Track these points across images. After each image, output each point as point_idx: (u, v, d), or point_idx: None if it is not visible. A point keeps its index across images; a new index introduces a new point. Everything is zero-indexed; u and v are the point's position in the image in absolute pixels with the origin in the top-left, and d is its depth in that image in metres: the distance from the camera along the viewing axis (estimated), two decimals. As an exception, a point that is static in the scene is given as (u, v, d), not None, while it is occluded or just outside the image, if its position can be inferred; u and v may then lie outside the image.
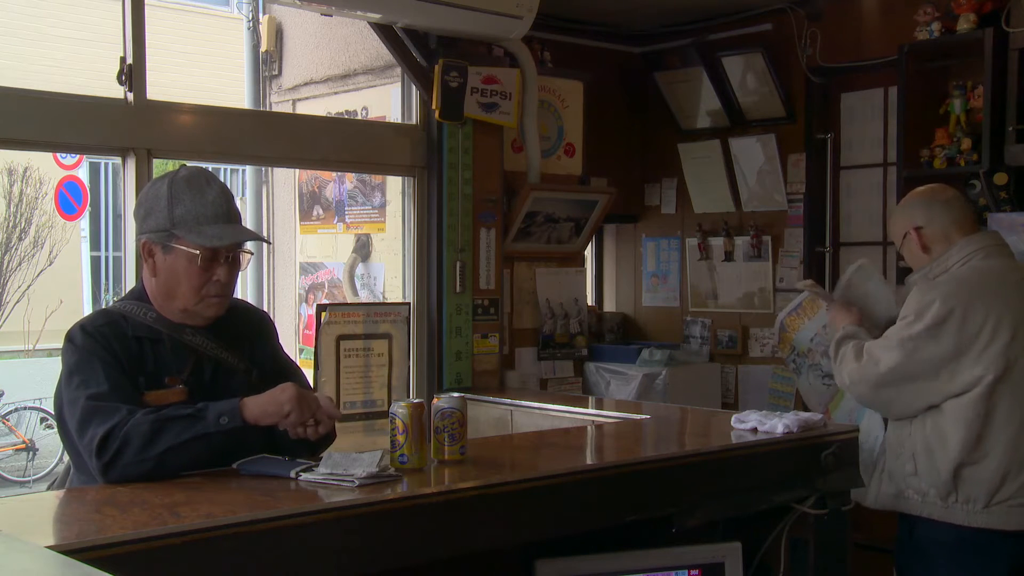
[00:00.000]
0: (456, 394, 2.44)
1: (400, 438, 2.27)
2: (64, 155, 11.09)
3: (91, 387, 2.21)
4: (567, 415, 3.90)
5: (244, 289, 5.61)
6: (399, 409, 2.29)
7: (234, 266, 2.40)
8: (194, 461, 2.20)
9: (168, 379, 2.33)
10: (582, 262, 5.30)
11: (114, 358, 2.27)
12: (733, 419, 2.89)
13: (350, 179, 5.21)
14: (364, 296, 5.11)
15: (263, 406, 2.25)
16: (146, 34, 3.69)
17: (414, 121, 4.55)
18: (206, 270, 2.35)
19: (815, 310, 3.54)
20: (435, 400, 2.40)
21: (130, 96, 3.69)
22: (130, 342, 2.32)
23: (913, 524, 3.16)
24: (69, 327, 2.34)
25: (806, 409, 3.50)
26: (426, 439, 2.34)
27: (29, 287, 11.29)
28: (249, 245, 2.46)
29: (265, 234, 5.70)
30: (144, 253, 2.39)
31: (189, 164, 2.65)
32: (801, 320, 3.58)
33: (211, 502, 2.00)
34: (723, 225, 5.31)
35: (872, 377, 3.10)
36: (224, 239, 2.35)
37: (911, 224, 3.24)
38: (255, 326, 2.58)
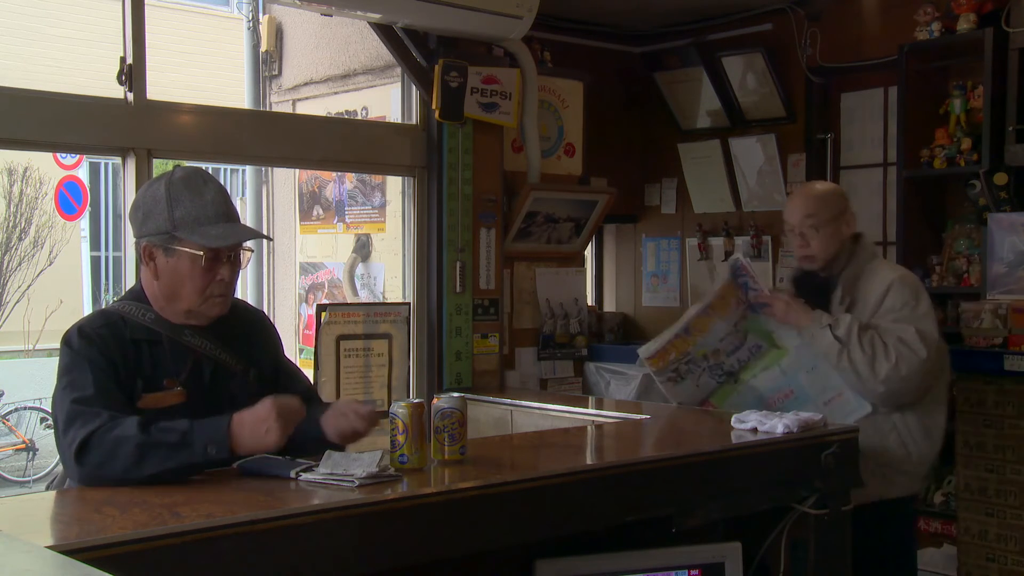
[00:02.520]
0: (456, 394, 2.44)
1: (400, 438, 2.27)
2: (64, 155, 11.08)
3: (76, 390, 2.21)
4: (567, 415, 3.89)
5: (244, 289, 5.60)
6: (399, 409, 2.29)
7: (236, 265, 2.40)
8: (180, 480, 2.17)
9: (167, 381, 2.33)
10: (582, 262, 5.30)
11: (107, 361, 2.26)
12: (733, 419, 2.90)
13: (350, 179, 5.21)
14: (364, 296, 5.11)
15: (250, 448, 2.20)
16: (146, 34, 3.69)
17: (414, 121, 4.55)
18: (209, 270, 2.34)
19: (726, 309, 3.40)
20: (435, 400, 2.40)
21: (130, 96, 3.69)
22: (128, 345, 2.31)
23: (898, 504, 3.28)
24: (68, 327, 2.33)
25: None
26: (426, 439, 2.34)
27: (29, 287, 11.28)
28: (250, 243, 2.46)
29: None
30: (144, 256, 2.37)
31: (187, 164, 2.64)
32: (711, 320, 3.39)
33: (211, 502, 2.00)
34: (723, 225, 5.31)
35: (925, 367, 3.15)
36: (227, 239, 2.35)
37: (848, 207, 3.36)
38: (254, 325, 2.58)
